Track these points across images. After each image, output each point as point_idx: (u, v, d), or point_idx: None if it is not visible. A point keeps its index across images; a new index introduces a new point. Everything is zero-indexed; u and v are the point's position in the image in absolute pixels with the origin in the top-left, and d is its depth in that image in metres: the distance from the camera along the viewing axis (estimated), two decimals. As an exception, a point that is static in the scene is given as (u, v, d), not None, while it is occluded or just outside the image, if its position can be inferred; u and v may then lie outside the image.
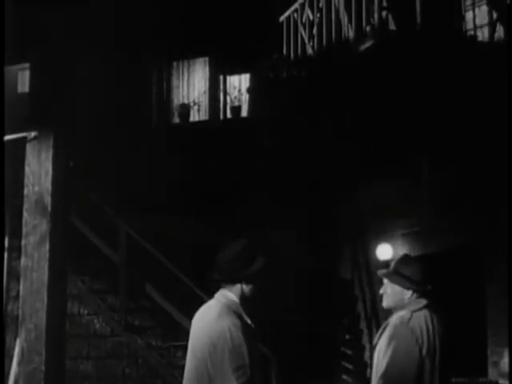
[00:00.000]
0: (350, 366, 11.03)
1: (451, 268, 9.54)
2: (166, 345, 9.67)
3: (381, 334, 4.79)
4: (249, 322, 4.02)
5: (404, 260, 4.93)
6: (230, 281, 4.05)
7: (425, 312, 4.74)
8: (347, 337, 11.31)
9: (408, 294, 4.78)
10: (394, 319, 4.76)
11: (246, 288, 4.06)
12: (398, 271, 4.83)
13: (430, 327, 4.68)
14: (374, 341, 4.89)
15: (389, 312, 4.97)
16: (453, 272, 9.53)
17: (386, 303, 4.88)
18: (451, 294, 9.22)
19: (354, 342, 11.18)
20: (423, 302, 4.76)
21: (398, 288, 4.81)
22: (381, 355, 4.63)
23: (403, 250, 10.30)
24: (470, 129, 9.14)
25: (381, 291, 4.94)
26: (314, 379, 10.21)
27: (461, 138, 9.24)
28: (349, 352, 11.20)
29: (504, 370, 8.74)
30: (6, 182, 5.33)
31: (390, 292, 4.84)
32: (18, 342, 6.05)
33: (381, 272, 4.94)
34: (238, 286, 4.06)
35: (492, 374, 9.05)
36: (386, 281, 4.91)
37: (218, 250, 4.14)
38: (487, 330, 9.14)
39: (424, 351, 4.59)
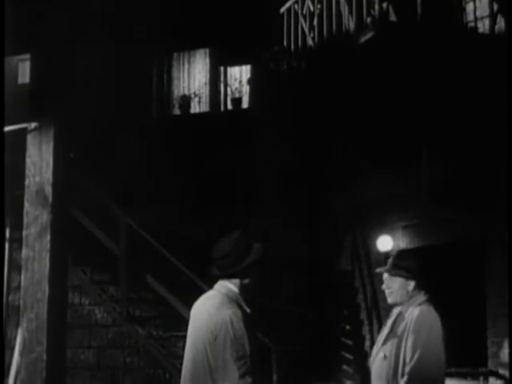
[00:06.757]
0: (351, 357, 11.05)
1: (451, 260, 9.56)
2: (166, 335, 9.69)
3: (392, 325, 4.82)
4: (248, 311, 4.01)
5: (400, 254, 5.13)
6: (229, 276, 4.04)
7: (422, 308, 4.77)
8: (347, 327, 11.33)
9: (411, 284, 4.83)
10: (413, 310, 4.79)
11: (246, 278, 4.06)
12: (397, 264, 4.90)
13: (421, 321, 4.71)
14: (384, 331, 4.90)
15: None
16: (453, 263, 9.55)
17: (391, 299, 4.93)
18: (451, 285, 9.24)
19: (354, 333, 11.20)
20: (423, 297, 4.81)
21: (400, 281, 4.85)
22: (408, 343, 4.66)
23: (403, 242, 10.33)
24: (470, 120, 9.14)
25: (383, 287, 4.99)
26: (314, 369, 10.23)
27: (461, 130, 9.25)
28: (349, 342, 11.23)
29: (504, 361, 8.78)
30: (6, 173, 5.34)
31: (395, 287, 4.89)
32: (19, 332, 6.09)
33: (380, 269, 4.99)
34: (237, 277, 4.07)
35: (492, 364, 9.07)
36: (386, 276, 4.94)
37: (213, 244, 4.11)
38: (487, 321, 9.15)
39: None
